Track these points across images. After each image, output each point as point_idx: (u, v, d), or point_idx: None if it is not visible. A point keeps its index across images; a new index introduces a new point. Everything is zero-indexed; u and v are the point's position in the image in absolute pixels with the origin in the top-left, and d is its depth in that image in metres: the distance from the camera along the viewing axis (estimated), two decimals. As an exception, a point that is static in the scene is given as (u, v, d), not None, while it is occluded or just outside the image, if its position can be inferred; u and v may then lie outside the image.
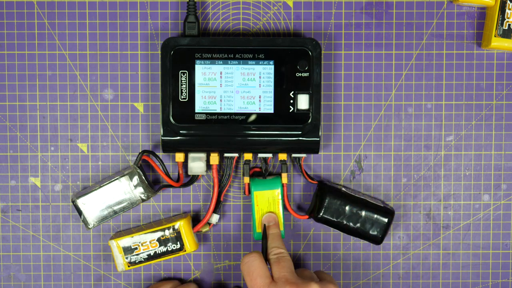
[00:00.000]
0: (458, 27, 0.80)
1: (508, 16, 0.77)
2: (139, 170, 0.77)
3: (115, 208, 0.78)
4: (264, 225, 0.77)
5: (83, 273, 0.81)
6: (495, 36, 0.77)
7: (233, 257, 0.82)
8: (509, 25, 0.77)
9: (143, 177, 0.78)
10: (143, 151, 0.77)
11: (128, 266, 0.78)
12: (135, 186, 0.77)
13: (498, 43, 0.78)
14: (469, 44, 0.81)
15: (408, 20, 0.80)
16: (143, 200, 0.78)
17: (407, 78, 0.81)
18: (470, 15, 0.80)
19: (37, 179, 0.81)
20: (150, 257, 0.78)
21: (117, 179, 0.77)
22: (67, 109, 0.80)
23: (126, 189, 0.78)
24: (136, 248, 0.78)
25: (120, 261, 0.78)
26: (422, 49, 0.80)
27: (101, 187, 0.77)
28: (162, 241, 0.78)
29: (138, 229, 0.80)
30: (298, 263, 0.82)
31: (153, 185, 0.81)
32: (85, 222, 0.78)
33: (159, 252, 0.78)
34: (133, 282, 0.82)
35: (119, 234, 0.80)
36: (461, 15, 0.80)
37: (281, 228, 0.78)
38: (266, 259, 0.73)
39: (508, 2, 0.77)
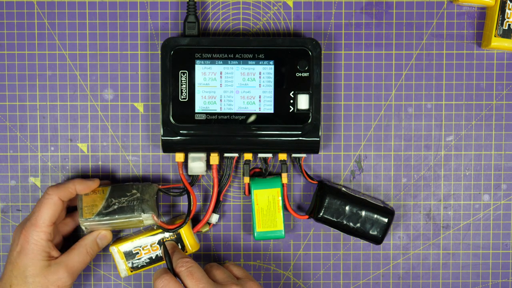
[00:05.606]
0: (458, 27, 0.80)
1: (508, 16, 0.77)
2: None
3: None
4: (163, 242, 0.76)
5: (83, 273, 0.81)
6: (495, 36, 0.77)
7: (233, 257, 0.82)
8: (509, 25, 0.77)
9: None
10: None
11: (131, 271, 0.78)
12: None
13: (498, 43, 0.78)
14: (469, 44, 0.81)
15: (408, 20, 0.80)
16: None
17: (407, 78, 0.81)
18: (470, 15, 0.80)
19: (37, 179, 0.81)
20: (152, 261, 0.78)
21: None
22: (67, 109, 0.80)
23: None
24: (137, 253, 0.78)
25: (123, 266, 0.78)
26: (422, 49, 0.80)
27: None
28: (163, 244, 0.78)
29: (138, 233, 0.79)
30: (298, 263, 0.82)
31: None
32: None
33: (161, 255, 0.78)
34: (133, 282, 0.82)
35: (119, 240, 0.79)
36: (461, 15, 0.80)
37: (281, 228, 0.78)
38: (175, 274, 0.72)
39: (508, 2, 0.77)
